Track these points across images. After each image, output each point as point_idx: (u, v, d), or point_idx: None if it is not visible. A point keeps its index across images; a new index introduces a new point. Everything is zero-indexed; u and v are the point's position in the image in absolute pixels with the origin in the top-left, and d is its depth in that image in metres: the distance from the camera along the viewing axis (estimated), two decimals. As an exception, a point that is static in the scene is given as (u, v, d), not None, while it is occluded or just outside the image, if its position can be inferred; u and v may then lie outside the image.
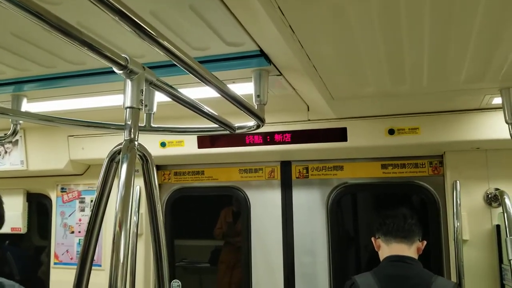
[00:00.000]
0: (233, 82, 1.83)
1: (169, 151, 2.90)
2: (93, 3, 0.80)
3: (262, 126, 1.75)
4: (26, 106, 2.08)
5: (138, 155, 1.02)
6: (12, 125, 2.03)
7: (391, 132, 2.55)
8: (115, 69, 1.01)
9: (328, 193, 3.03)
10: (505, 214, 2.33)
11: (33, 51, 1.59)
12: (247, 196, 3.17)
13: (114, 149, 1.03)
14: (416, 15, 1.25)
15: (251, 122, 1.76)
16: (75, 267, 1.04)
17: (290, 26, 1.30)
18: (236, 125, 1.74)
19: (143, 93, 1.06)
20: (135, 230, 3.02)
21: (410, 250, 2.23)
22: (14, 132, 2.04)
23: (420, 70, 1.71)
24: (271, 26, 1.28)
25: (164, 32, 1.04)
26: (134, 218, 3.03)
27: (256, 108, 1.70)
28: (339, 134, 2.62)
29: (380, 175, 2.93)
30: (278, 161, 3.11)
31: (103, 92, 2.04)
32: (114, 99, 2.14)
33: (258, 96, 1.74)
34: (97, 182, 1.05)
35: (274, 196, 3.11)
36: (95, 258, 1.10)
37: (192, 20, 1.32)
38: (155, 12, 1.27)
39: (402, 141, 2.55)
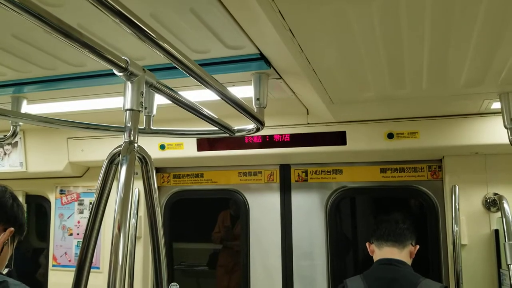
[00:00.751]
0: (233, 85, 1.84)
1: (169, 153, 2.90)
2: (94, 5, 0.81)
3: (262, 129, 1.75)
4: (26, 107, 2.08)
5: (138, 157, 1.02)
6: (11, 126, 2.03)
7: (390, 136, 2.55)
8: (115, 71, 1.02)
9: (327, 196, 3.03)
10: (504, 219, 2.32)
11: (33, 53, 1.59)
12: (246, 199, 3.17)
13: (114, 151, 1.03)
14: (417, 19, 1.25)
15: (251, 125, 1.76)
16: (74, 269, 1.04)
17: (290, 29, 1.30)
18: (235, 128, 1.74)
19: (143, 95, 1.06)
20: (134, 233, 3.01)
21: (401, 254, 2.27)
22: (14, 134, 2.04)
23: (420, 74, 1.71)
24: (271, 30, 1.28)
25: (165, 35, 1.05)
26: (133, 221, 3.03)
27: (255, 111, 1.70)
28: (338, 138, 2.62)
29: (379, 179, 2.93)
30: (277, 165, 3.11)
31: (103, 94, 2.05)
32: (114, 101, 2.14)
33: (258, 99, 1.74)
34: (96, 184, 1.05)
35: (273, 199, 3.11)
36: (93, 260, 1.09)
37: (192, 23, 1.32)
38: (156, 14, 1.28)
39: (401, 145, 2.55)
